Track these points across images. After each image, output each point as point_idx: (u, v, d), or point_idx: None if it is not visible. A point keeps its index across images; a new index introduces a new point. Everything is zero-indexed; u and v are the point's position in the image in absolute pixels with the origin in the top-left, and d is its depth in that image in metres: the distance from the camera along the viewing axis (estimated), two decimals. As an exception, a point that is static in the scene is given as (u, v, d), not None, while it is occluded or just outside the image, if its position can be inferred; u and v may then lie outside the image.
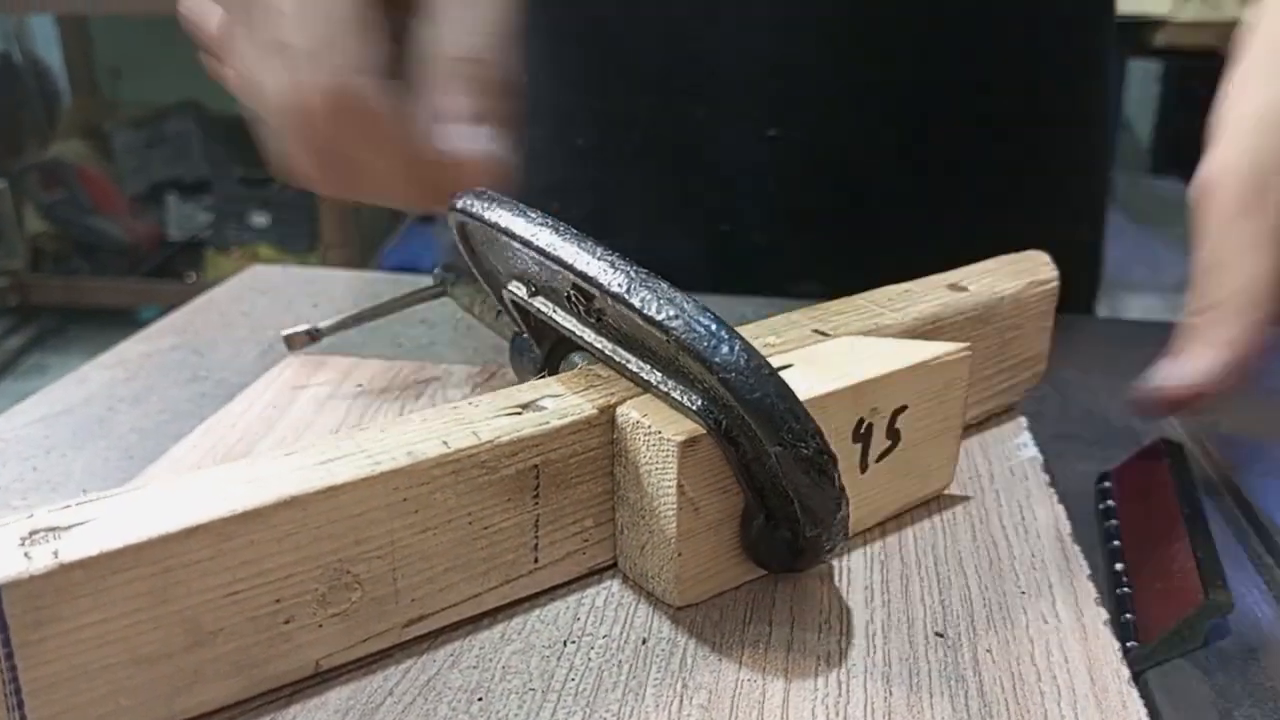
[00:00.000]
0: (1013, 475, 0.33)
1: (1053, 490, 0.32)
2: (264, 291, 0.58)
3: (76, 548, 0.21)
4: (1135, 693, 0.24)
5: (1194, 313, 0.32)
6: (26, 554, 0.20)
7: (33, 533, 0.21)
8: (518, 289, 0.32)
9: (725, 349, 0.24)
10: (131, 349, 0.49)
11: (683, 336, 0.24)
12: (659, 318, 0.25)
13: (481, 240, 0.32)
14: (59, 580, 0.20)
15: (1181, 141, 2.62)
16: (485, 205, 0.29)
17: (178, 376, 0.46)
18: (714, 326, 0.24)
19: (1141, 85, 2.84)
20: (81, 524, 0.21)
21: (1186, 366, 0.31)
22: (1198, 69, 2.22)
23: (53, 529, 0.21)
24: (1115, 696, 0.23)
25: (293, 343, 0.44)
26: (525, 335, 0.34)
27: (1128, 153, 3.12)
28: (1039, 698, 0.22)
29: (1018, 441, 0.36)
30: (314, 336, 0.45)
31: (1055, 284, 0.37)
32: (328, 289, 0.59)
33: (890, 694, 0.22)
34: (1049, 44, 0.55)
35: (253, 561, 0.22)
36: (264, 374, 0.44)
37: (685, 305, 0.25)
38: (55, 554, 0.20)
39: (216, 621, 0.22)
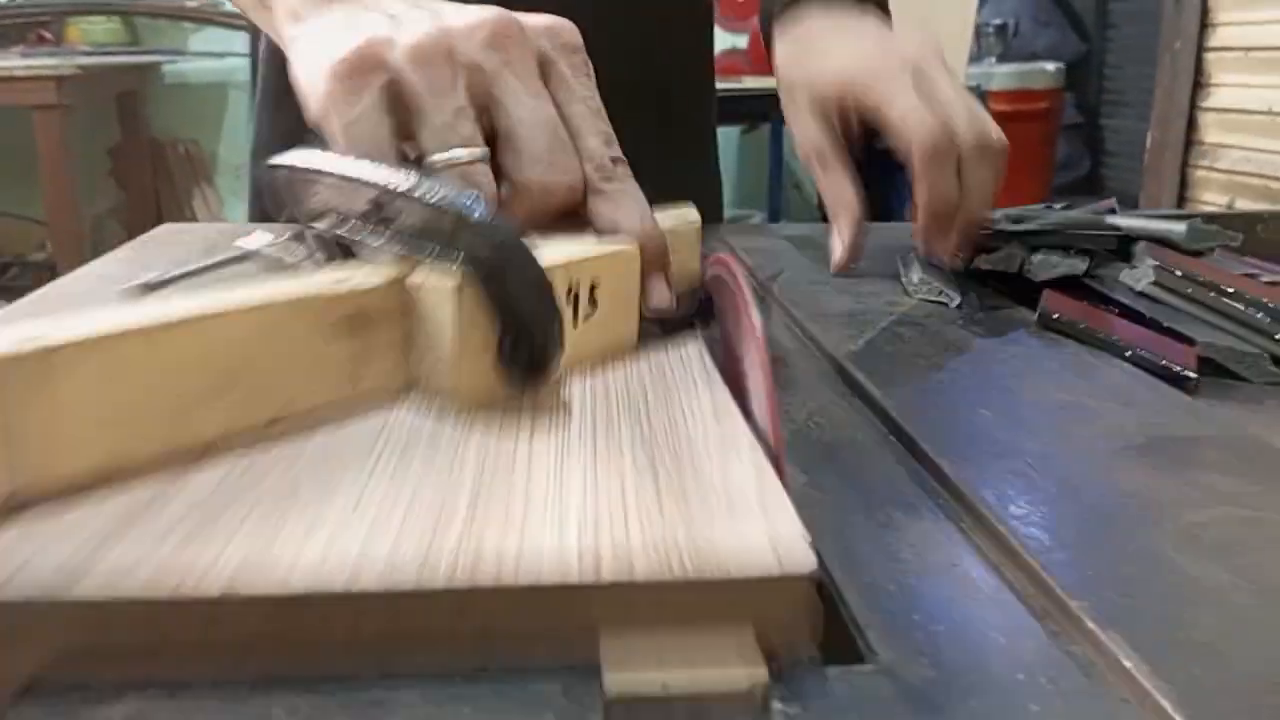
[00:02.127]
0: (672, 337, 0.47)
1: (700, 338, 0.46)
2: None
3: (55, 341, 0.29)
4: (740, 415, 0.38)
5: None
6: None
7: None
8: (327, 222, 0.41)
9: (480, 209, 0.36)
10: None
11: (451, 204, 0.36)
12: (437, 197, 0.36)
13: (286, 186, 0.43)
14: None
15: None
16: (298, 157, 0.41)
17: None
18: (468, 197, 0.37)
19: None
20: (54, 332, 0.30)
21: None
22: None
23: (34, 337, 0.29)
24: (729, 416, 0.38)
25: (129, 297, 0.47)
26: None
27: (800, 207, 3.51)
28: (684, 425, 0.37)
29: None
30: (151, 289, 0.46)
31: (698, 224, 0.51)
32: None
33: (596, 437, 0.35)
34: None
35: (165, 357, 0.32)
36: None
37: (450, 189, 0.37)
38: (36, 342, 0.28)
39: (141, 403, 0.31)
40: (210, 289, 0.35)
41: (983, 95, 3.37)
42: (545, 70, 0.45)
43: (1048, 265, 0.64)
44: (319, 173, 0.40)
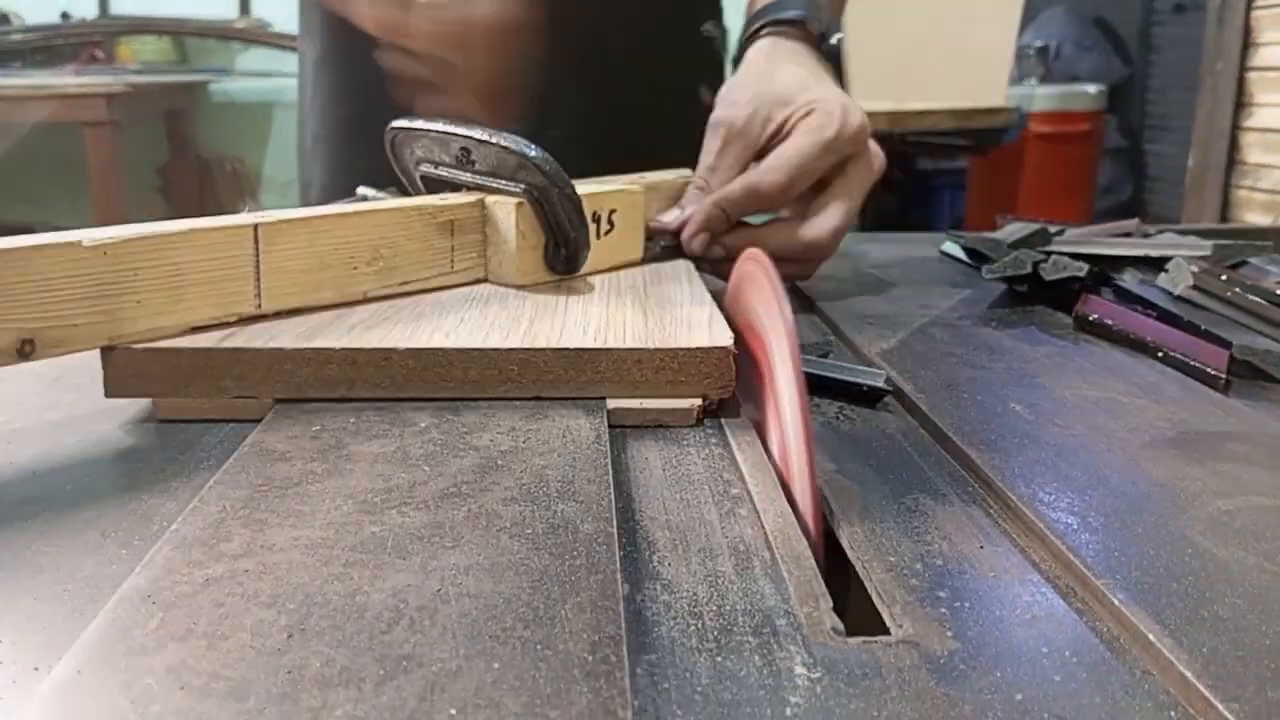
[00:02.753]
0: (671, 257, 0.65)
1: (689, 263, 0.63)
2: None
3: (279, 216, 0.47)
4: (707, 293, 0.54)
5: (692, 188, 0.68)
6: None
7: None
8: (426, 168, 0.58)
9: (535, 151, 0.52)
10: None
11: (515, 148, 0.52)
12: (505, 143, 0.52)
13: (401, 142, 0.59)
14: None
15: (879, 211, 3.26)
16: (410, 121, 0.57)
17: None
18: (530, 145, 0.52)
19: None
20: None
21: (670, 215, 0.66)
22: (885, 153, 2.91)
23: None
24: (700, 293, 0.54)
25: None
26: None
27: None
28: (668, 293, 0.54)
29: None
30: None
31: (689, 180, 0.69)
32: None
33: (609, 297, 0.53)
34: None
35: (340, 234, 0.49)
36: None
37: (516, 138, 0.52)
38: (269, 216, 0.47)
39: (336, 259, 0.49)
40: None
41: (1023, 117, 3.36)
42: None
43: (1058, 267, 0.65)
44: (423, 131, 0.57)
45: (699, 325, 0.47)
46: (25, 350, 0.39)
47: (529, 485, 0.35)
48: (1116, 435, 0.43)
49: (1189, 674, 0.26)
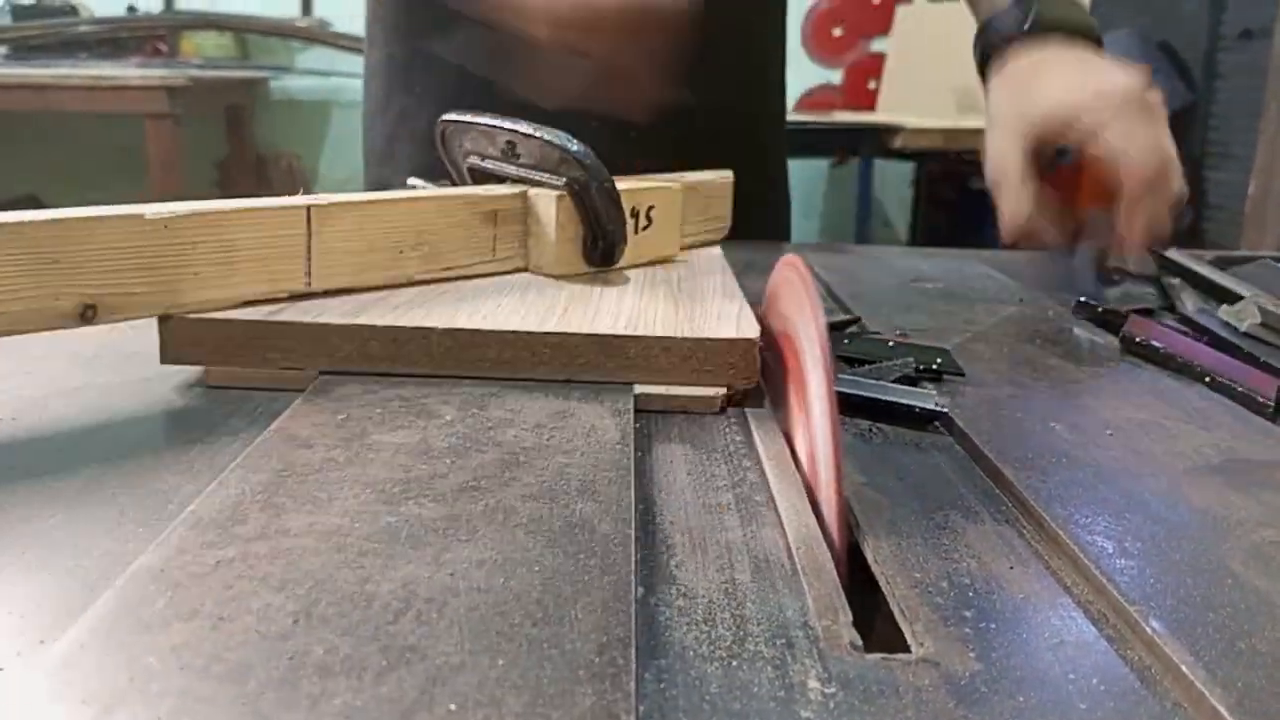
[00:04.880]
0: (699, 254, 0.66)
1: (724, 259, 0.65)
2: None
3: (329, 199, 0.49)
4: (739, 291, 0.55)
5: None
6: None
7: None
8: (473, 159, 0.60)
9: (577, 146, 0.54)
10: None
11: (558, 142, 0.54)
12: (548, 138, 0.54)
13: (451, 135, 0.61)
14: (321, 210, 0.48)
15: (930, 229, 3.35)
16: (459, 114, 0.60)
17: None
18: (572, 140, 0.54)
19: (896, 186, 3.49)
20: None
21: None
22: (939, 171, 3.23)
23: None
24: (733, 287, 0.56)
25: None
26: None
27: (888, 242, 3.54)
28: (701, 287, 0.55)
29: (714, 251, 0.68)
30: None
31: (730, 181, 0.73)
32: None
33: (643, 288, 0.54)
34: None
35: (388, 219, 0.51)
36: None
37: (559, 133, 0.54)
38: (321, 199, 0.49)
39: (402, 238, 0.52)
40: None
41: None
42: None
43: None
44: (471, 124, 0.59)
45: (727, 317, 0.48)
46: (87, 315, 0.41)
47: (549, 483, 0.34)
48: (1159, 460, 0.42)
49: (1222, 708, 0.25)
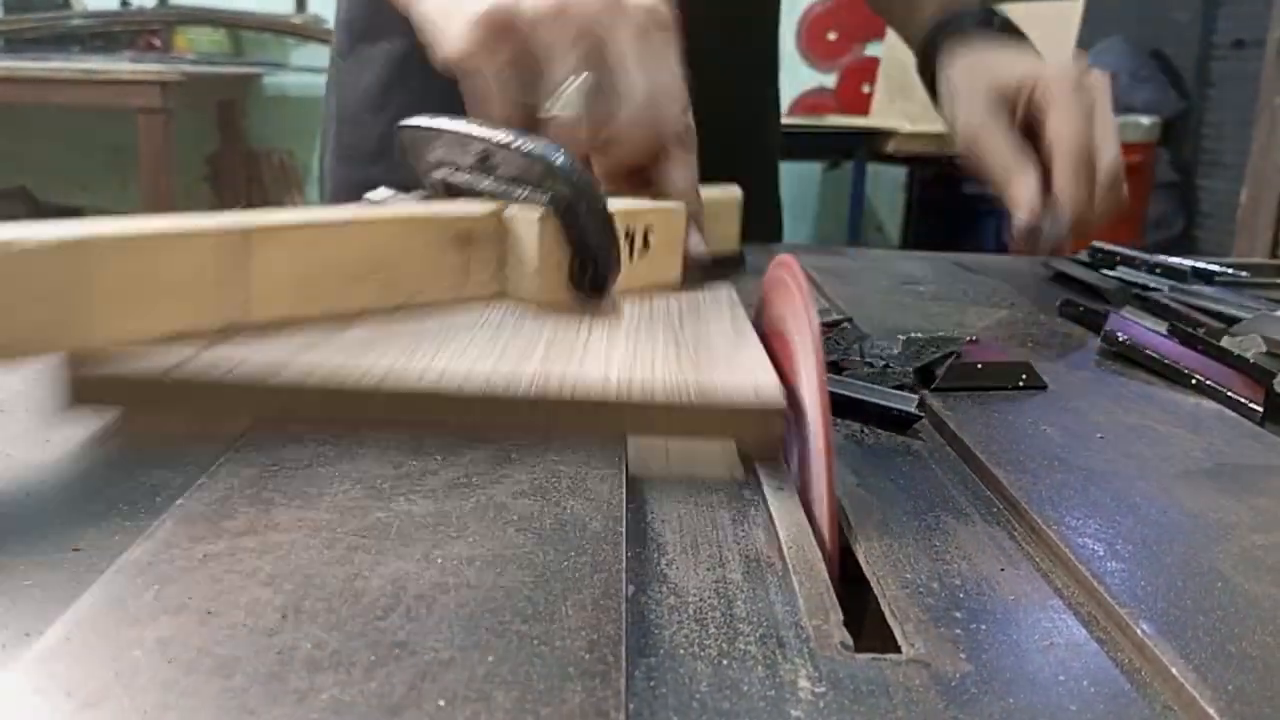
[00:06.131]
0: (707, 277, 0.56)
1: (728, 285, 0.56)
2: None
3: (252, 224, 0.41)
4: (754, 333, 0.46)
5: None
6: None
7: None
8: (445, 171, 0.51)
9: (563, 157, 0.46)
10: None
11: (540, 153, 0.46)
12: (529, 148, 0.46)
13: (415, 143, 0.53)
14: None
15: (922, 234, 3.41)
16: (425, 119, 0.52)
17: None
18: (555, 150, 0.46)
19: (889, 190, 3.53)
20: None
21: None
22: (931, 176, 3.26)
23: None
24: (744, 328, 0.47)
25: None
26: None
27: (880, 246, 3.57)
28: (707, 329, 0.47)
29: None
30: None
31: (738, 197, 0.66)
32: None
33: (639, 329, 0.46)
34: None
35: (339, 242, 0.44)
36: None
37: (542, 142, 0.46)
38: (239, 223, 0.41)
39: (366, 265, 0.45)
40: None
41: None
42: (641, 41, 0.50)
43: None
44: (439, 131, 0.51)
45: (741, 370, 0.41)
46: None
47: (541, 480, 0.34)
48: (1150, 463, 0.42)
49: (1212, 711, 0.25)
